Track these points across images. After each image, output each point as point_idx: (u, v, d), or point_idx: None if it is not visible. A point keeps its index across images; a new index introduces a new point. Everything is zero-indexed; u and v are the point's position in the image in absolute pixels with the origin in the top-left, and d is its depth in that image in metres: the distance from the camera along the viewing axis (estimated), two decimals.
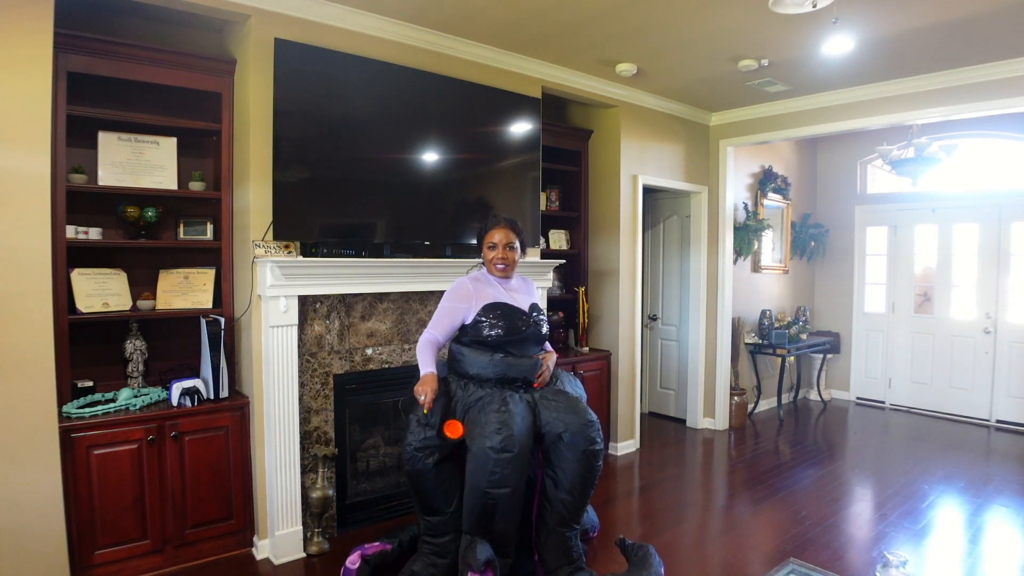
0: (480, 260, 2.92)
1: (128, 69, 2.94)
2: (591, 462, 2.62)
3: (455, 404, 2.68)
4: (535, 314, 2.85)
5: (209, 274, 3.29)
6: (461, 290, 2.78)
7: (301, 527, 3.23)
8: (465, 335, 2.79)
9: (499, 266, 2.81)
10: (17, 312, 2.51)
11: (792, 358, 6.56)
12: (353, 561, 2.79)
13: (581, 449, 2.59)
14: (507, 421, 2.51)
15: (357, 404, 3.53)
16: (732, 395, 5.77)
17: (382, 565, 2.86)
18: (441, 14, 3.40)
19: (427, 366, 2.67)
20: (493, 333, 2.69)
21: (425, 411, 2.58)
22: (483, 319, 2.71)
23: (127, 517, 2.85)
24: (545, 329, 2.88)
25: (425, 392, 2.58)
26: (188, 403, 3.00)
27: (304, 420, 3.27)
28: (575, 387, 2.94)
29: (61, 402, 2.73)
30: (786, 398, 6.54)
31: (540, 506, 2.70)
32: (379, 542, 2.95)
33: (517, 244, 2.84)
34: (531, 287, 2.99)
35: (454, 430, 2.58)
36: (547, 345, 2.98)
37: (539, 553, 2.71)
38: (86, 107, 2.88)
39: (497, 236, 2.81)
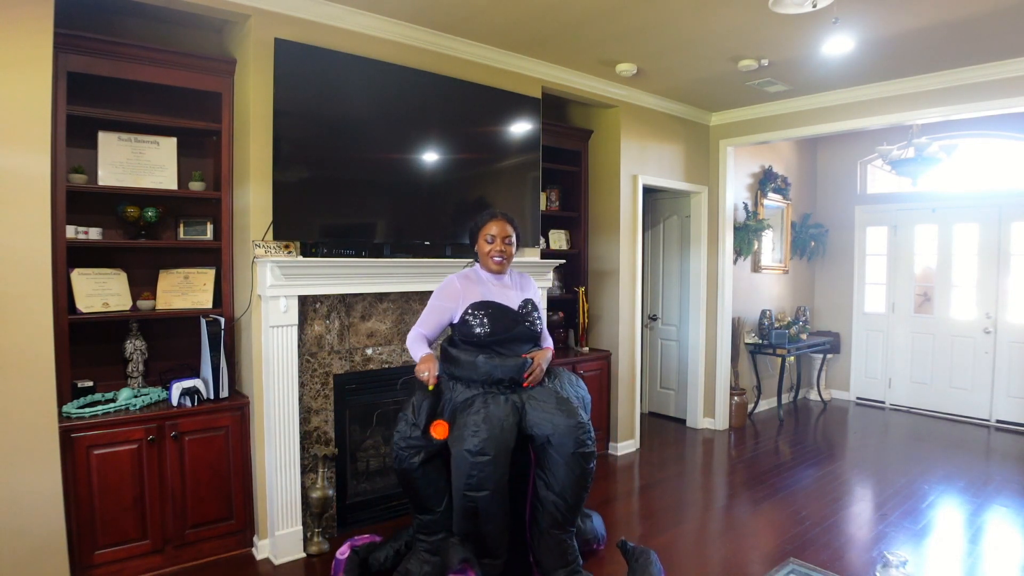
0: (471, 260, 2.88)
1: (128, 69, 2.94)
2: (582, 465, 2.55)
3: (443, 405, 2.66)
4: (527, 310, 2.77)
5: (209, 274, 3.29)
6: (448, 288, 2.75)
7: (301, 527, 3.23)
8: (455, 334, 2.76)
9: (496, 259, 2.73)
10: (17, 312, 2.51)
11: (792, 358, 6.56)
12: (342, 552, 2.79)
13: (570, 451, 2.54)
14: (484, 424, 2.48)
15: (357, 404, 3.54)
16: (732, 395, 5.76)
17: (388, 569, 2.83)
18: (441, 14, 3.41)
19: (422, 351, 2.66)
20: (480, 331, 2.65)
21: (430, 387, 2.58)
22: (470, 317, 2.67)
23: (127, 517, 2.85)
24: (538, 326, 2.81)
25: (428, 369, 2.56)
26: (188, 403, 3.00)
27: (304, 420, 3.27)
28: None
29: (61, 402, 2.73)
30: (786, 398, 6.54)
31: (533, 507, 2.67)
32: (369, 535, 2.94)
33: (514, 238, 2.77)
34: (528, 283, 2.91)
35: (440, 431, 2.57)
36: (545, 342, 2.90)
37: (534, 555, 2.68)
38: (86, 107, 2.88)
39: (495, 228, 2.73)
